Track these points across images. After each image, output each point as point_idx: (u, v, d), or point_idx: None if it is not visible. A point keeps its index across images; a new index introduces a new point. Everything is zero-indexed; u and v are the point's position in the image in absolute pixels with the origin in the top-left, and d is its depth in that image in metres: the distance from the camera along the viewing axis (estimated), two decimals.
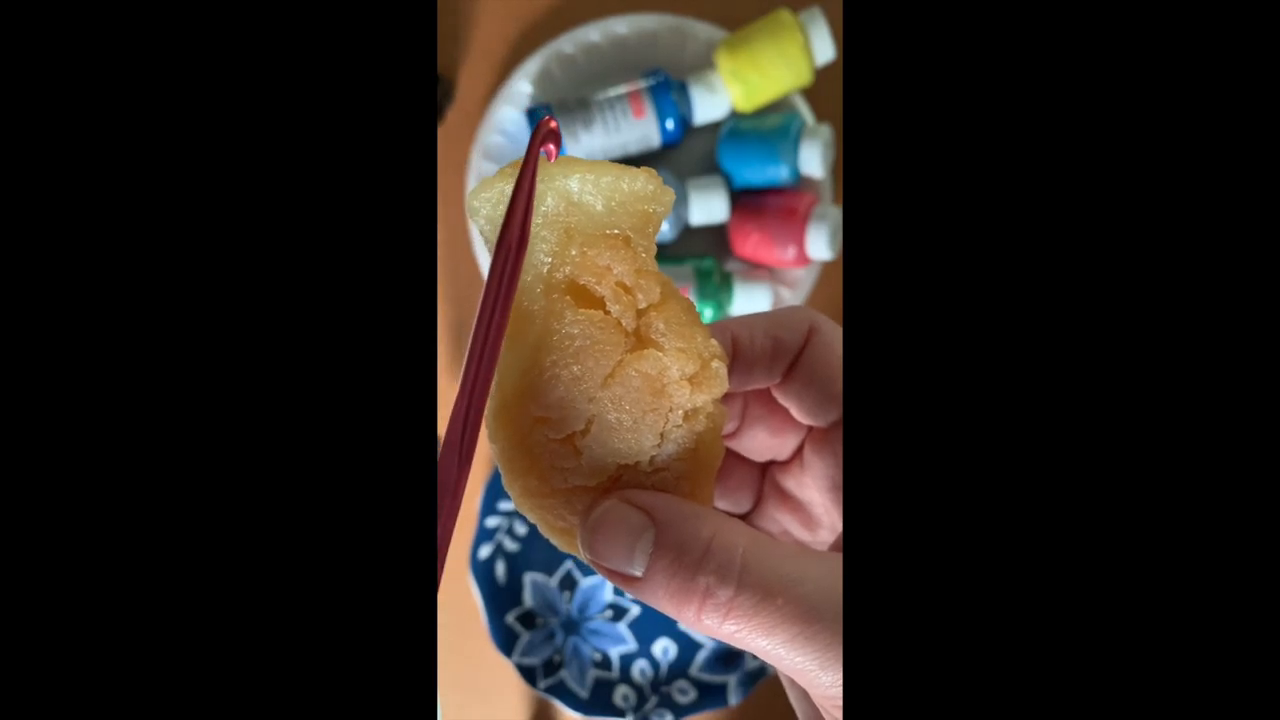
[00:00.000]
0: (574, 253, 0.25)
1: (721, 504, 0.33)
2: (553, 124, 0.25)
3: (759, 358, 0.28)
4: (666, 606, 0.24)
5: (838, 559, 0.23)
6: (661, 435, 0.25)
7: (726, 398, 0.26)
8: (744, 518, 0.33)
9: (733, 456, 0.32)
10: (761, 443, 0.31)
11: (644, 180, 0.25)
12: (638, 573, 0.24)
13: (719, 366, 0.25)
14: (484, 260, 0.75)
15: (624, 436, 0.25)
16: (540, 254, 0.25)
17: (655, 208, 0.25)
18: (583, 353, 0.25)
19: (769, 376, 0.29)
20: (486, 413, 0.25)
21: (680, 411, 0.25)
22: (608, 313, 0.25)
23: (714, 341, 0.25)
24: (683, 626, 0.73)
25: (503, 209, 0.24)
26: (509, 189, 0.24)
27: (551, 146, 0.25)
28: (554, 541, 0.26)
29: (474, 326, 0.24)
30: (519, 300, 0.25)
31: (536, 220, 0.25)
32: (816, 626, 0.22)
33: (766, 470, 0.33)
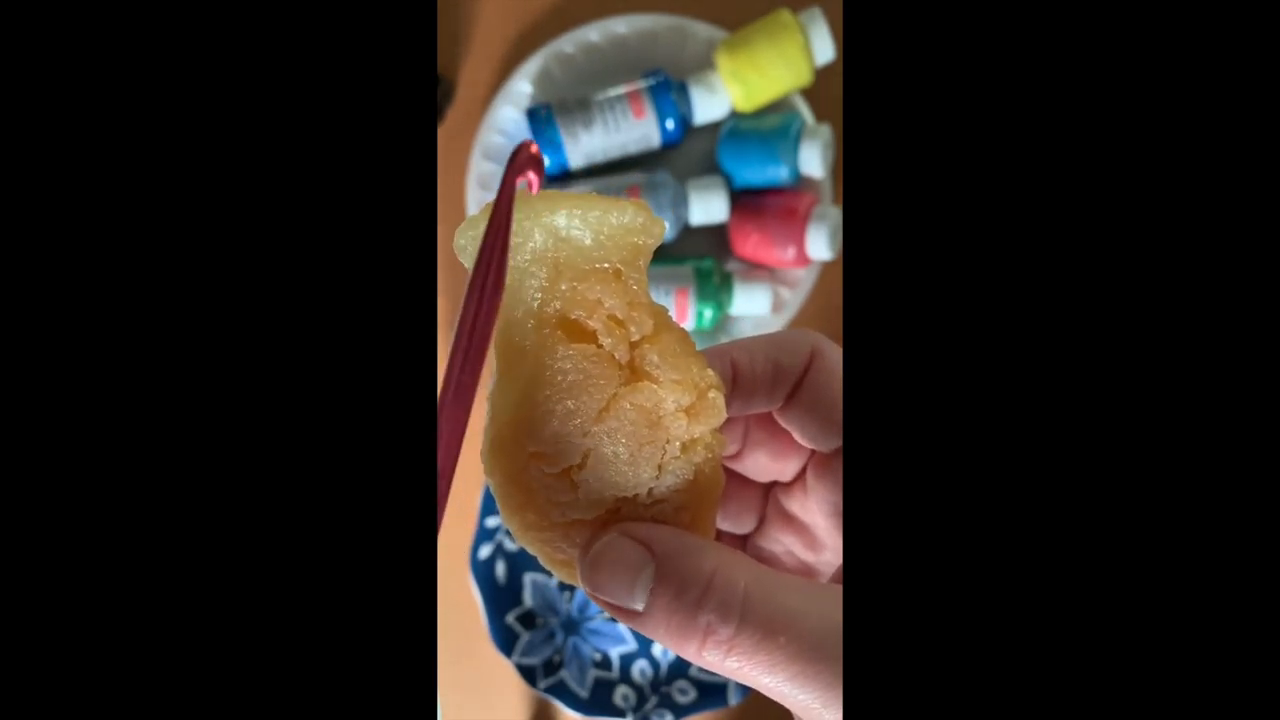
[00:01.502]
0: (564, 287, 0.25)
1: (725, 525, 0.33)
2: (533, 149, 0.24)
3: (759, 383, 0.28)
4: (668, 642, 0.23)
5: (841, 592, 0.23)
6: (659, 467, 0.25)
7: (728, 421, 0.26)
8: (747, 539, 0.33)
9: (735, 478, 0.32)
10: (763, 465, 0.31)
11: (633, 213, 0.25)
12: (638, 608, 0.23)
13: (716, 396, 0.25)
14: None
15: (621, 469, 0.25)
16: (530, 290, 0.25)
17: (645, 239, 0.25)
18: (576, 387, 0.25)
19: (770, 401, 0.29)
20: (482, 448, 0.25)
21: (678, 443, 0.25)
22: (600, 346, 0.25)
23: (710, 371, 0.25)
24: None
25: None
26: None
27: (532, 175, 0.24)
28: (556, 573, 0.26)
29: (450, 352, 0.23)
30: (510, 336, 0.25)
31: (525, 256, 0.25)
32: (820, 665, 0.22)
33: (770, 491, 0.32)
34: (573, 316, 0.25)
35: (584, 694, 0.72)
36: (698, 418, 0.25)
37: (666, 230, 0.71)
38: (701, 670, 0.72)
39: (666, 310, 0.26)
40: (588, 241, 0.25)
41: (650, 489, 0.25)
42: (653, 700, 0.72)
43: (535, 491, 0.25)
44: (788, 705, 0.23)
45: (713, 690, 0.71)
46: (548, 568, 0.26)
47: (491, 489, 0.25)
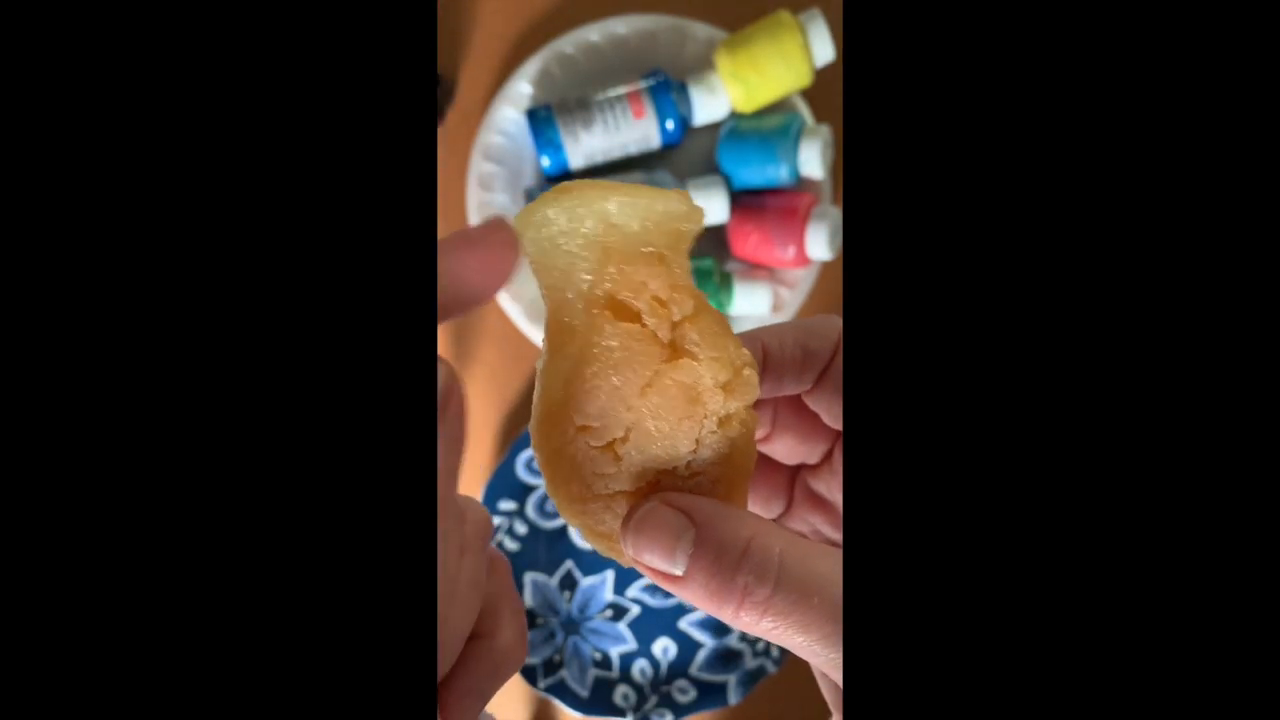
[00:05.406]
0: (612, 270, 0.26)
1: (754, 509, 0.34)
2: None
3: (789, 366, 0.29)
4: (706, 604, 0.25)
5: None
6: (697, 441, 0.27)
7: (757, 404, 0.28)
8: (776, 521, 0.34)
9: (764, 461, 0.33)
10: (792, 447, 0.32)
11: (677, 201, 0.27)
12: (679, 572, 0.25)
13: (750, 374, 0.27)
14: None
15: (661, 443, 0.27)
16: (581, 273, 0.27)
17: (687, 226, 0.27)
18: (622, 364, 0.26)
19: (799, 384, 0.30)
20: (532, 422, 0.27)
21: (714, 418, 0.27)
22: (645, 325, 0.27)
23: (745, 350, 0.27)
24: (683, 626, 0.73)
25: (545, 232, 0.26)
26: (551, 213, 0.26)
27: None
28: (595, 546, 0.27)
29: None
30: (561, 316, 0.27)
31: (578, 241, 0.26)
32: None
33: (797, 474, 0.34)
34: (620, 297, 0.27)
35: (584, 693, 0.72)
36: (734, 393, 0.27)
37: None
38: (701, 670, 0.72)
39: (704, 294, 0.27)
40: (635, 227, 0.26)
41: (688, 462, 0.27)
42: (653, 700, 0.72)
43: (581, 464, 0.27)
44: (817, 664, 0.24)
45: (713, 690, 0.72)
46: (588, 541, 0.27)
47: (539, 462, 0.27)
